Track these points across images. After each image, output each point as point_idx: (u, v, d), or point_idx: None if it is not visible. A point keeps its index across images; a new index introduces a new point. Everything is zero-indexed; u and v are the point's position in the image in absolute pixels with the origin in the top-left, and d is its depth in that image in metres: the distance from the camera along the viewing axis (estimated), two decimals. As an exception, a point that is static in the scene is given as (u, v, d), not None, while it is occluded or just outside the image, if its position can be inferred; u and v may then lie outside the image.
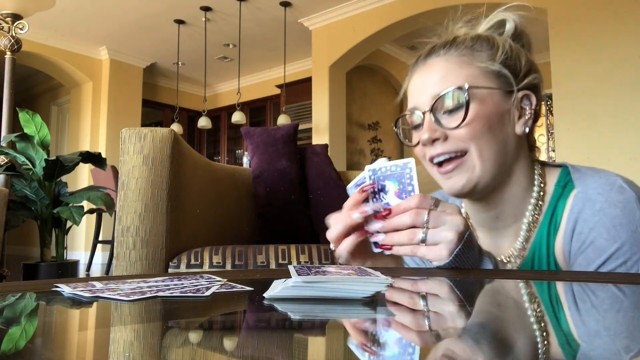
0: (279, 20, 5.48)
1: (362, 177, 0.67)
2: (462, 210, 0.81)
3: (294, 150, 1.95)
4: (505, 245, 0.78)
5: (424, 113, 0.73)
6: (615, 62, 3.41)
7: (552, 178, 0.76)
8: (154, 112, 7.67)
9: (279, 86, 6.46)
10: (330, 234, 0.67)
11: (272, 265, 1.31)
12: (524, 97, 0.74)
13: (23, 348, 0.30)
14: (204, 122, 5.93)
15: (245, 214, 1.91)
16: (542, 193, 0.75)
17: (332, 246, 0.69)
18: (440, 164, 0.72)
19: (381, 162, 0.65)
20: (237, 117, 5.62)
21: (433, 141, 0.71)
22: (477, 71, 0.72)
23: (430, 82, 0.73)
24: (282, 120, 5.46)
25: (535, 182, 0.76)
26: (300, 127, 5.47)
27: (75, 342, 0.33)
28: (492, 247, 0.79)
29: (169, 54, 6.52)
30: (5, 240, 2.41)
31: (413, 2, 4.68)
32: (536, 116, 0.75)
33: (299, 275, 0.44)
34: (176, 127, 5.96)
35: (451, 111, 0.70)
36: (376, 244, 0.65)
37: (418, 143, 0.75)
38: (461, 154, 0.70)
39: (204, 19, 5.51)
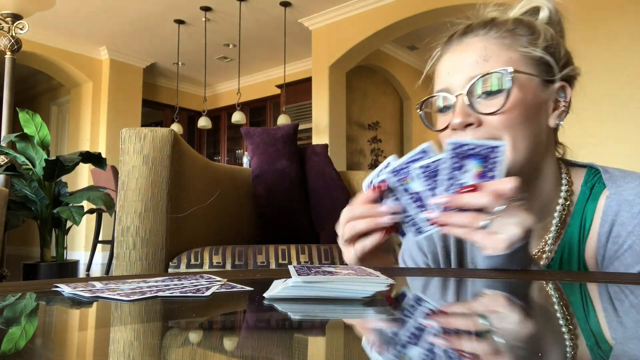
0: (279, 20, 5.48)
1: (418, 154, 0.60)
2: None
3: (294, 150, 1.95)
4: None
5: (457, 95, 0.68)
6: (616, 61, 3.41)
7: (578, 178, 0.73)
8: (154, 112, 7.67)
9: (279, 86, 6.46)
10: (349, 232, 0.62)
11: (272, 265, 1.31)
12: (560, 88, 0.70)
13: (23, 348, 0.30)
14: (204, 122, 5.93)
15: (245, 214, 1.91)
16: (569, 193, 0.71)
17: (342, 242, 0.63)
18: None
19: (431, 147, 0.59)
20: (237, 117, 5.62)
21: (465, 126, 0.67)
22: (518, 55, 0.67)
23: (467, 63, 0.68)
24: (282, 120, 5.46)
25: (563, 182, 0.72)
26: (300, 127, 5.47)
27: (75, 342, 0.33)
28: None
29: (169, 54, 6.53)
30: (5, 240, 2.41)
31: (413, 2, 4.68)
32: (568, 110, 0.71)
33: (299, 275, 0.44)
34: (176, 127, 5.96)
35: (488, 95, 0.65)
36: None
37: (446, 127, 0.69)
38: None
39: (204, 19, 5.52)
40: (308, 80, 5.78)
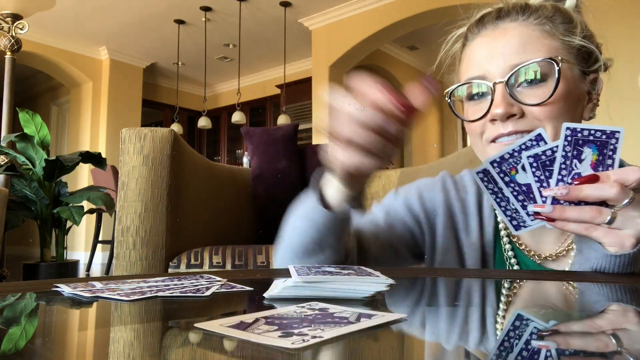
0: (279, 20, 5.48)
1: (531, 140, 0.54)
2: None
3: (294, 150, 1.95)
4: (546, 241, 0.70)
5: (494, 84, 0.63)
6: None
7: None
8: (154, 112, 7.67)
9: (279, 86, 6.46)
10: (362, 139, 0.49)
11: (272, 265, 1.31)
12: (594, 80, 0.67)
13: (23, 348, 0.30)
14: (204, 122, 5.93)
15: (245, 214, 1.91)
16: None
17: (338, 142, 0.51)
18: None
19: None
20: (237, 117, 5.62)
21: (507, 117, 0.63)
22: (559, 44, 0.64)
23: (506, 49, 0.64)
24: (282, 120, 5.46)
25: None
26: (300, 127, 5.46)
27: (75, 342, 0.33)
28: (529, 242, 0.72)
29: (169, 54, 6.53)
30: (5, 240, 2.41)
31: (413, 2, 4.68)
32: (598, 103, 0.69)
33: (299, 275, 0.44)
34: (176, 127, 5.96)
35: (529, 84, 0.62)
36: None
37: (482, 117, 0.65)
38: None
39: (204, 19, 5.52)
40: (308, 80, 5.78)
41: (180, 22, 5.62)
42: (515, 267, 0.73)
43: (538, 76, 0.61)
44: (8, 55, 2.74)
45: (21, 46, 2.78)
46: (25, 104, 7.12)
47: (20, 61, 5.48)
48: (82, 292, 0.45)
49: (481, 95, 0.66)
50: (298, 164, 1.94)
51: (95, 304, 0.43)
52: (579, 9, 0.70)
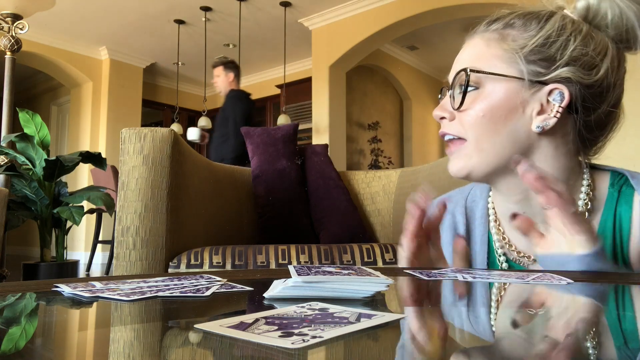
0: (279, 20, 5.48)
1: None
2: (489, 199, 0.79)
3: (294, 150, 1.95)
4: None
5: (447, 89, 0.72)
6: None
7: (604, 181, 0.71)
8: (154, 112, 7.67)
9: (279, 86, 6.46)
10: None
11: (272, 265, 1.31)
12: (554, 90, 0.64)
13: (23, 348, 0.30)
14: (204, 122, 5.92)
15: (245, 214, 1.91)
16: (590, 196, 0.70)
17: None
18: (448, 142, 0.72)
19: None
20: (237, 117, 5.61)
21: (441, 119, 0.71)
22: (501, 53, 0.66)
23: (459, 58, 0.72)
24: (282, 120, 5.46)
25: (584, 184, 0.70)
26: (300, 127, 5.45)
27: (75, 342, 0.33)
28: (525, 246, 0.73)
29: (169, 54, 6.52)
30: (5, 240, 2.41)
31: (413, 2, 4.68)
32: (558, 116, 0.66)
33: (299, 275, 0.44)
34: (176, 127, 5.96)
35: (459, 92, 0.68)
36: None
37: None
38: (465, 139, 0.69)
39: (204, 19, 5.52)
40: (308, 80, 5.78)
41: (180, 22, 5.62)
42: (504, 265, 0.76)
43: (461, 85, 0.68)
44: (8, 55, 2.74)
45: (21, 46, 2.78)
46: (25, 104, 7.11)
47: (20, 61, 5.47)
48: (82, 292, 0.45)
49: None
50: (298, 164, 1.94)
51: (95, 304, 0.43)
52: (590, 15, 0.67)
